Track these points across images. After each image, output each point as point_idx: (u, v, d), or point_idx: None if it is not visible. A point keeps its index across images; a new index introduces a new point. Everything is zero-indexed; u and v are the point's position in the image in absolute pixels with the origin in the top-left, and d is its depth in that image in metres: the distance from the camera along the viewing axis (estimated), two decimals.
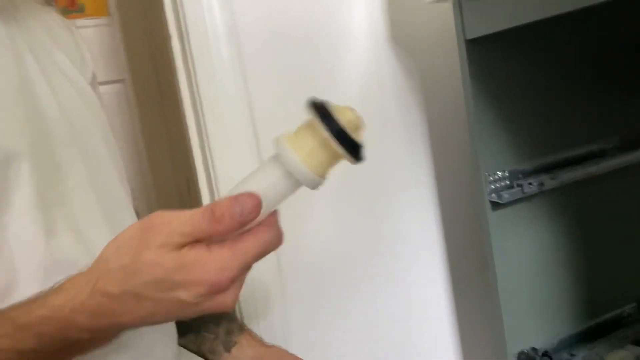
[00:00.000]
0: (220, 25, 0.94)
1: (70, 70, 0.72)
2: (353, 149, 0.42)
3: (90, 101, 0.73)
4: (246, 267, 0.43)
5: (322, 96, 1.07)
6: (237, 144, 0.98)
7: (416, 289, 1.13)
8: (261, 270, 0.99)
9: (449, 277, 1.16)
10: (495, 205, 0.97)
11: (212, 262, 0.41)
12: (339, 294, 1.08)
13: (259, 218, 0.42)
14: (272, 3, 1.00)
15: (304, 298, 1.05)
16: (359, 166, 1.10)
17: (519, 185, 0.97)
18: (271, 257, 0.99)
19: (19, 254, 0.55)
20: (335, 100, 1.11)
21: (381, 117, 1.09)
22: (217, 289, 0.41)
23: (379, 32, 1.08)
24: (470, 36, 0.93)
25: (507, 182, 0.99)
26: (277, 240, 0.43)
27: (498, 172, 0.99)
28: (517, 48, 0.98)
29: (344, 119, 0.42)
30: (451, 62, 0.99)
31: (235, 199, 0.41)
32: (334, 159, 0.43)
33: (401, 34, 1.09)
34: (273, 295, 1.02)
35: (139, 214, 0.75)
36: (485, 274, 0.98)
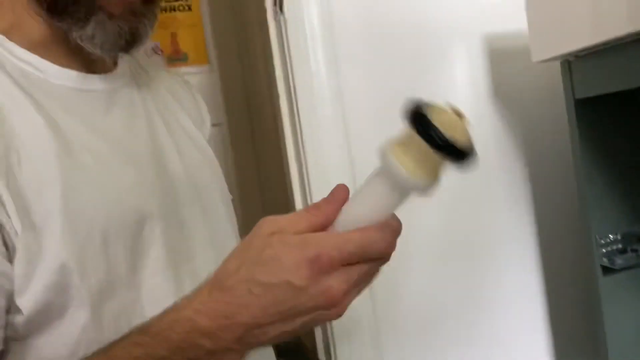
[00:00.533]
0: (326, 88, 0.98)
1: (192, 130, 0.77)
2: (458, 154, 0.40)
3: (210, 160, 0.78)
4: (352, 257, 0.42)
5: None
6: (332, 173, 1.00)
7: (517, 353, 1.09)
8: (356, 318, 1.00)
9: (553, 343, 1.11)
10: (607, 271, 0.92)
11: (315, 239, 0.42)
12: (434, 348, 1.06)
13: (369, 220, 0.43)
14: (374, 69, 1.03)
15: (399, 349, 1.04)
16: (462, 223, 1.09)
17: (634, 250, 0.92)
18: (367, 306, 1.00)
19: (150, 312, 0.59)
20: None
21: (483, 173, 1.07)
22: (326, 266, 0.41)
23: (482, 88, 1.08)
24: (579, 96, 0.91)
25: (620, 246, 0.94)
26: (383, 242, 0.43)
27: (610, 235, 0.94)
28: (628, 107, 0.95)
29: (443, 123, 0.39)
30: (558, 120, 0.97)
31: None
32: (442, 163, 0.41)
33: (505, 91, 1.09)
34: (367, 343, 1.02)
35: None
36: (594, 344, 0.93)
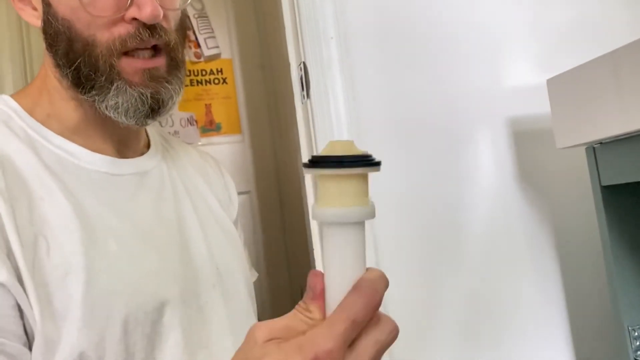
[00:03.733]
0: None
1: (218, 211, 0.79)
2: (358, 162, 0.40)
3: (234, 241, 0.79)
4: (348, 334, 0.39)
5: (448, 241, 1.07)
6: None
7: None
8: None
9: None
10: None
11: (308, 340, 0.39)
12: None
13: (349, 282, 0.41)
14: (398, 154, 1.04)
15: None
16: (487, 307, 1.06)
17: None
18: None
19: None
20: (459, 246, 1.10)
21: (510, 255, 1.06)
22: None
23: (507, 170, 1.08)
24: (606, 183, 0.90)
25: None
26: (363, 302, 0.40)
27: None
28: None
29: (332, 150, 0.40)
30: (586, 204, 0.96)
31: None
32: (359, 183, 0.41)
33: (530, 174, 1.09)
34: None
35: None
36: None
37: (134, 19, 0.59)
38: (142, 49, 0.61)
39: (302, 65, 1.02)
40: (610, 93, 0.80)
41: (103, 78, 0.60)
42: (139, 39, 0.59)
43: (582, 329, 1.07)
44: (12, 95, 0.66)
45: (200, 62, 2.32)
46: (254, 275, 0.83)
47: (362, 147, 1.12)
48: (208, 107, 2.34)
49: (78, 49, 0.60)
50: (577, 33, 1.13)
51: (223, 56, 2.36)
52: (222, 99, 2.36)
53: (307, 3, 1.01)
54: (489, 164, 1.08)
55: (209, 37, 2.31)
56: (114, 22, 0.59)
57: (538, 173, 1.09)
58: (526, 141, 1.09)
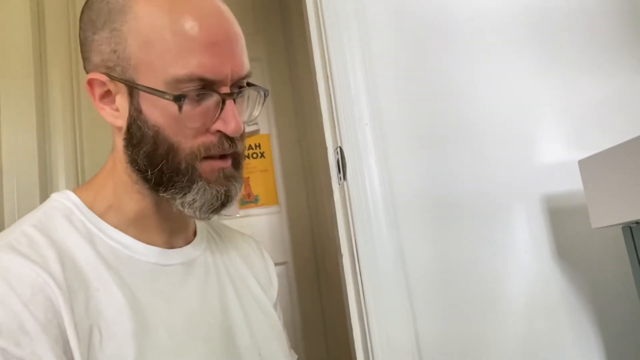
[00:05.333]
0: (388, 249, 1.02)
1: (260, 296, 0.81)
2: None
3: (275, 324, 0.81)
4: None
5: (485, 320, 1.06)
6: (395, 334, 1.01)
7: None
8: None
9: None
10: None
11: None
12: None
13: None
14: (435, 232, 1.07)
15: None
16: None
17: None
18: None
19: None
20: (498, 329, 1.08)
21: (551, 335, 1.04)
22: None
23: (544, 248, 1.08)
24: None
25: None
26: None
27: None
28: None
29: None
30: (626, 283, 0.95)
31: None
32: None
33: (568, 252, 1.08)
34: None
35: None
36: None
37: (219, 131, 0.65)
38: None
39: (338, 150, 1.07)
40: None
41: (185, 179, 0.65)
42: (221, 148, 0.66)
43: None
44: (74, 190, 0.72)
45: None
46: (294, 357, 0.84)
47: (398, 226, 1.15)
48: (246, 180, 2.42)
49: (162, 152, 0.65)
50: (608, 111, 1.15)
51: (262, 132, 2.46)
52: (260, 172, 2.44)
53: (343, 91, 1.07)
54: (526, 241, 1.09)
55: None
56: (200, 132, 0.65)
57: (576, 250, 1.08)
58: (562, 218, 1.10)
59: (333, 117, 1.08)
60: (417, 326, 1.02)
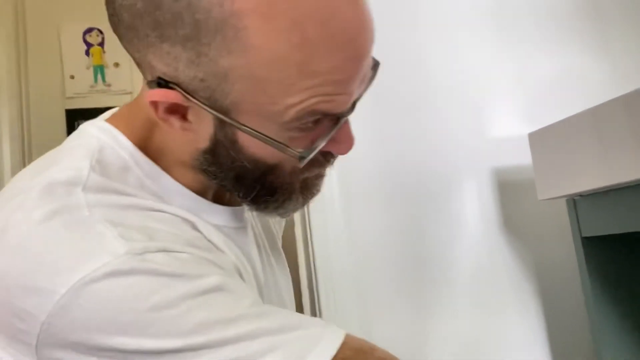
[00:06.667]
0: (339, 220, 1.03)
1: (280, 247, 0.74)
2: None
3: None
4: None
5: (435, 284, 1.08)
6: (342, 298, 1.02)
7: None
8: None
9: None
10: None
11: None
12: None
13: None
14: (385, 208, 1.07)
15: None
16: (475, 348, 1.07)
17: None
18: None
19: None
20: (447, 295, 1.11)
21: (496, 301, 1.08)
22: None
23: (492, 220, 1.11)
24: (586, 234, 0.93)
25: None
26: None
27: None
28: (636, 247, 0.96)
29: None
30: (567, 253, 0.99)
31: None
32: None
33: (514, 223, 1.11)
34: None
35: None
36: None
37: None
38: None
39: None
40: (591, 147, 0.84)
41: (281, 198, 0.55)
42: (326, 167, 0.56)
43: None
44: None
45: None
46: None
47: (349, 198, 1.13)
48: None
49: (257, 177, 0.53)
50: (560, 86, 1.18)
51: None
52: None
53: None
54: (475, 212, 1.12)
55: None
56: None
57: (522, 222, 1.12)
58: (511, 191, 1.13)
59: None
60: (368, 291, 1.04)
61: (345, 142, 0.53)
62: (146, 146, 0.55)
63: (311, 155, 0.50)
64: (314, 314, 1.06)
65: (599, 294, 0.93)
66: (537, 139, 0.96)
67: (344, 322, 1.01)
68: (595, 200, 0.90)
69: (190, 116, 0.50)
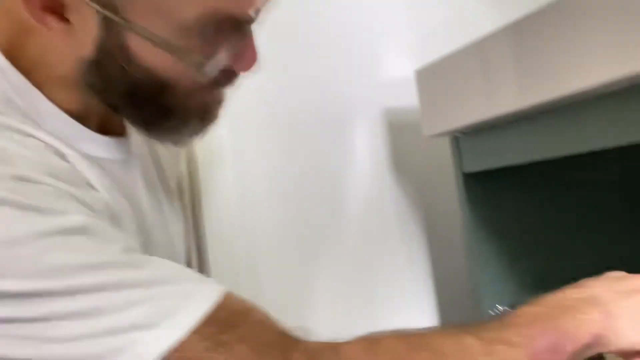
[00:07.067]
0: (227, 156, 0.97)
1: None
2: None
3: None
4: None
5: (327, 218, 1.07)
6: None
7: None
8: None
9: None
10: None
11: None
12: None
13: None
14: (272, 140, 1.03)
15: None
16: (363, 285, 1.09)
17: None
18: None
19: None
20: (336, 230, 1.11)
21: (383, 239, 1.10)
22: None
23: (381, 160, 1.12)
24: (467, 170, 0.94)
25: None
26: None
27: (499, 306, 0.95)
28: (517, 183, 0.99)
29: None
30: (451, 192, 1.00)
31: None
32: None
33: (403, 164, 1.13)
34: None
35: None
36: None
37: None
38: None
39: None
40: (476, 80, 0.83)
41: (176, 122, 0.50)
42: (227, 85, 0.53)
43: (447, 304, 1.13)
44: None
45: None
46: None
47: (239, 136, 1.07)
48: None
49: (149, 95, 0.48)
50: (451, 30, 1.18)
51: None
52: None
53: None
54: (365, 151, 1.12)
55: None
56: None
57: (409, 162, 1.13)
58: (399, 131, 1.13)
59: None
60: (257, 238, 1.02)
61: (249, 57, 0.50)
62: (15, 57, 0.47)
63: (212, 67, 0.46)
64: (201, 267, 1.01)
65: (478, 229, 0.95)
66: (423, 75, 0.96)
67: (232, 265, 0.99)
68: (476, 137, 0.91)
69: (71, 15, 0.43)
